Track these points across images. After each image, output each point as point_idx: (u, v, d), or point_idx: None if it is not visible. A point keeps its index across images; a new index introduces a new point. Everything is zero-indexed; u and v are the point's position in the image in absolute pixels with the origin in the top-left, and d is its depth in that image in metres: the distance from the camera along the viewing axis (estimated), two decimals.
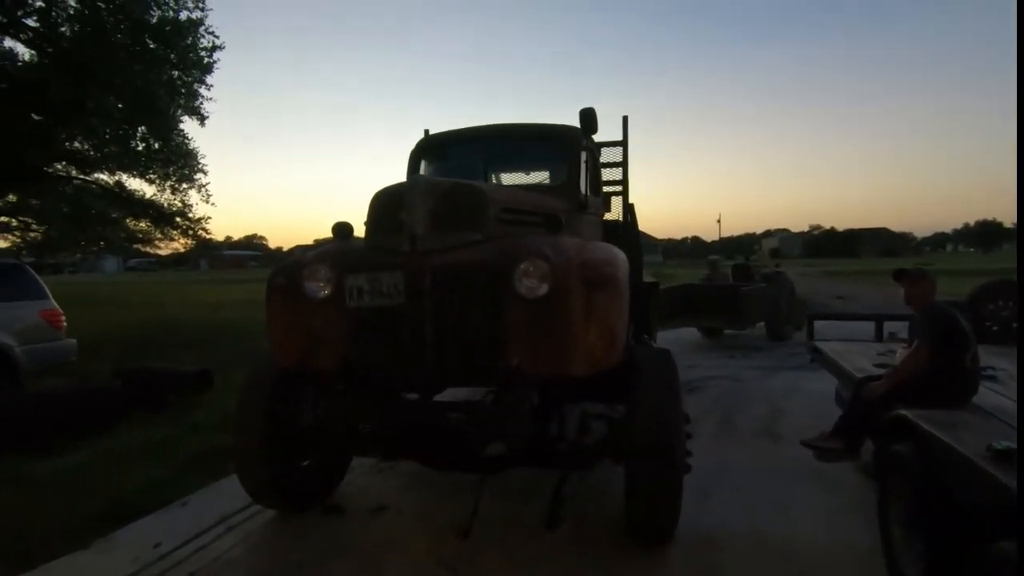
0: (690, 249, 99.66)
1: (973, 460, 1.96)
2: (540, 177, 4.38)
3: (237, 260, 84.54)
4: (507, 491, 3.51)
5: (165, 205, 13.33)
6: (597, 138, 4.57)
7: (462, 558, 2.86)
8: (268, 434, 3.05)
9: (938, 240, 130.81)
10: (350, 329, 2.66)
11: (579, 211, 3.80)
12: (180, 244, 15.78)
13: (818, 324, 6.87)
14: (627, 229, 4.99)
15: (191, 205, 13.32)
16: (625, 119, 4.98)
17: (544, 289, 2.46)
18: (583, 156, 3.98)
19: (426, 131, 5.34)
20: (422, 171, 4.20)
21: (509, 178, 4.25)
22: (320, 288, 2.68)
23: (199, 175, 12.35)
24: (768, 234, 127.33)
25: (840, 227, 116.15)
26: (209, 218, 13.86)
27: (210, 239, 15.27)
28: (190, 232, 14.18)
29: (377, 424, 2.61)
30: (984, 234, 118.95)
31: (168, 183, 12.74)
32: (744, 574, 2.69)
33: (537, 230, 3.05)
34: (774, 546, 2.91)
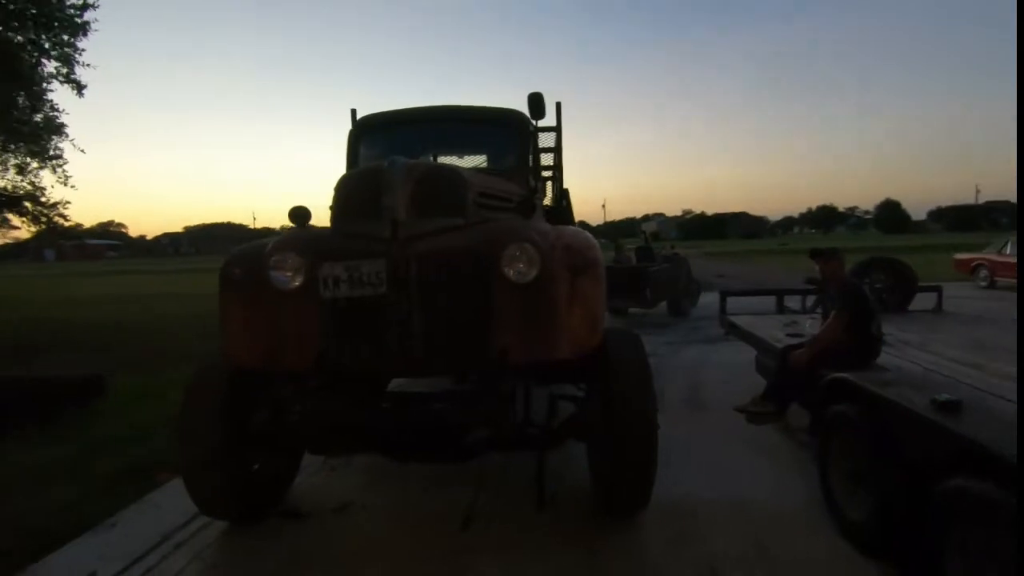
0: None
1: (922, 413, 2.27)
2: (478, 161, 4.33)
3: (93, 250, 74.64)
4: (457, 481, 3.50)
5: (9, 188, 11.51)
6: None
7: (450, 552, 2.82)
8: (220, 440, 2.78)
9: (787, 223, 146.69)
10: (325, 322, 2.49)
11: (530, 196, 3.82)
12: (27, 232, 13.75)
13: (708, 299, 7.46)
14: (562, 214, 5.10)
15: (44, 188, 11.62)
16: (559, 105, 5.05)
17: (533, 274, 2.46)
18: (531, 141, 4.00)
19: (353, 111, 5.07)
20: (361, 153, 3.99)
21: (454, 162, 4.15)
22: (289, 278, 2.47)
23: (57, 151, 10.77)
24: (647, 218, 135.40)
25: (709, 211, 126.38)
26: (68, 203, 12.19)
27: (69, 226, 13.44)
28: (43, 219, 12.38)
29: (359, 421, 2.48)
30: (823, 217, 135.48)
31: (13, 162, 11.01)
32: (723, 536, 2.89)
33: (507, 215, 3.04)
34: (732, 507, 3.15)
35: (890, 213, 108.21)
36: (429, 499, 3.38)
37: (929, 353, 4.10)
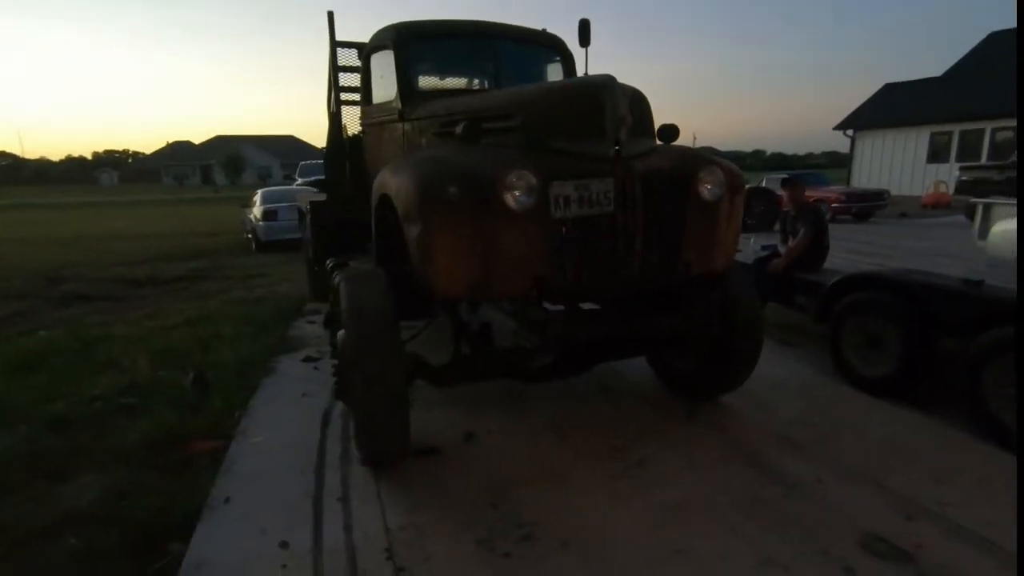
0: None
1: (959, 288, 3.25)
2: None
3: None
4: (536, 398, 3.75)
5: None
6: None
7: (611, 449, 3.09)
8: (403, 379, 2.59)
9: None
10: (550, 243, 2.47)
11: None
12: None
13: None
14: None
15: None
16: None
17: (719, 193, 2.77)
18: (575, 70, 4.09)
19: (329, 13, 4.48)
20: (414, 67, 3.65)
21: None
22: (526, 198, 2.37)
23: None
24: None
25: None
26: None
27: None
28: None
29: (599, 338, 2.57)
30: None
31: None
32: (786, 402, 3.66)
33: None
34: (774, 384, 3.92)
35: None
36: (532, 418, 3.51)
37: (834, 256, 5.42)
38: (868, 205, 13.79)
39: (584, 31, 3.94)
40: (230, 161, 54.24)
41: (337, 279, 3.58)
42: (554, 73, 4.04)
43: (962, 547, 2.25)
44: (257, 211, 11.53)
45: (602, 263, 2.57)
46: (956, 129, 19.16)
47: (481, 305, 3.73)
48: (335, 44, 4.50)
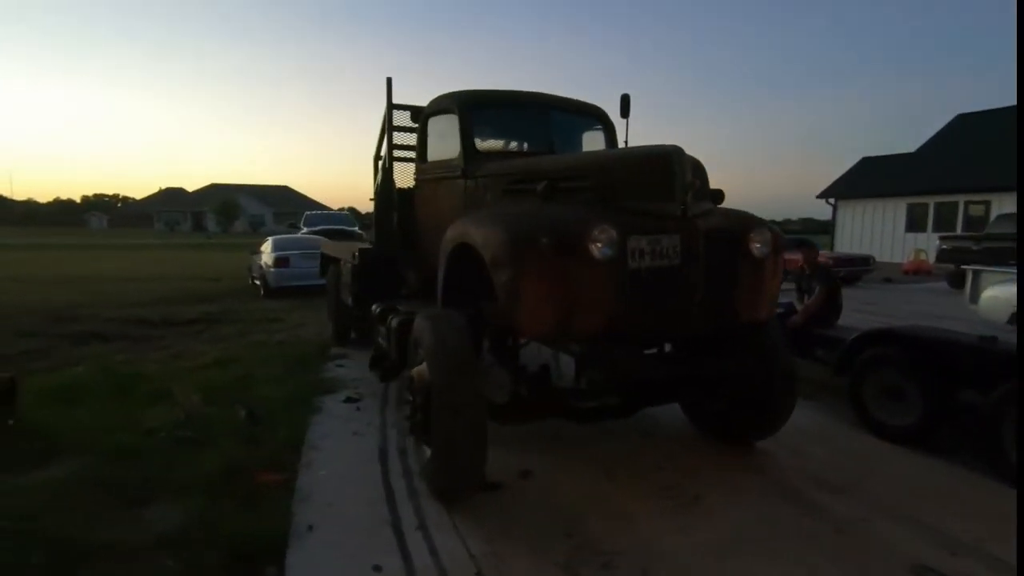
0: None
1: (976, 344, 3.57)
2: None
3: None
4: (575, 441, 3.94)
5: None
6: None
7: (660, 487, 3.27)
8: (484, 409, 2.80)
9: None
10: (625, 290, 2.75)
11: None
12: None
13: None
14: None
15: None
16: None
17: (767, 251, 3.10)
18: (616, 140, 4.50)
19: (388, 79, 4.88)
20: (477, 130, 4.01)
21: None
22: (607, 250, 2.66)
23: None
24: None
25: None
26: None
27: None
28: None
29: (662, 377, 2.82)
30: None
31: None
32: (814, 448, 3.89)
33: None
34: (799, 432, 4.12)
35: None
36: (581, 459, 3.68)
37: (843, 315, 5.78)
38: (856, 269, 14.42)
39: (625, 104, 4.38)
40: (224, 208, 54.74)
41: (394, 321, 3.83)
42: (596, 139, 4.44)
43: None
44: (268, 258, 11.73)
45: (668, 309, 2.85)
46: (932, 201, 20.29)
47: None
48: (391, 106, 4.89)
